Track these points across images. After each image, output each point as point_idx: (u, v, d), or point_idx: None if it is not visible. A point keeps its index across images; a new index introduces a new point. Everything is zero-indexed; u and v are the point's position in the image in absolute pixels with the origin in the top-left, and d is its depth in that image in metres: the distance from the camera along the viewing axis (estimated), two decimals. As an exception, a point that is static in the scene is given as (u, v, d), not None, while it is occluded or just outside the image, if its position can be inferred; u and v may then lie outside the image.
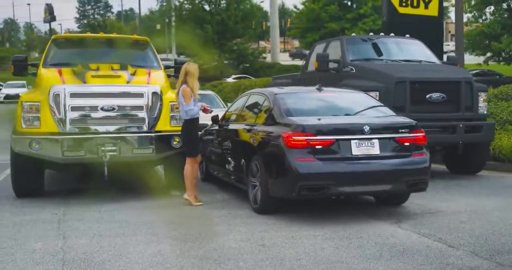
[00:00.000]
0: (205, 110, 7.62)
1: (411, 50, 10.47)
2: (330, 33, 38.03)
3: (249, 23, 44.18)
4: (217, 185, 8.73)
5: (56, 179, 9.21)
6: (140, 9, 60.99)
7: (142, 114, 7.72)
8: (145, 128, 7.72)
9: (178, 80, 7.47)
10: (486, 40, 36.04)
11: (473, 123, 9.20)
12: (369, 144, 6.35)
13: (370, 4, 38.75)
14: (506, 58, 37.32)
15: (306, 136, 6.23)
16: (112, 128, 7.65)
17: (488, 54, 37.44)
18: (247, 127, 7.42)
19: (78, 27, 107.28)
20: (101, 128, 7.64)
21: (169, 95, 7.99)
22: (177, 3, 45.96)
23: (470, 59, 34.51)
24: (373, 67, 9.40)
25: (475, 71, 29.05)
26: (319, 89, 7.49)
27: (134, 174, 8.17)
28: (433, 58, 10.32)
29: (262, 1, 53.06)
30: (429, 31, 13.87)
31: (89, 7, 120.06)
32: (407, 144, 6.49)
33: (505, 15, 36.59)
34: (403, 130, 6.58)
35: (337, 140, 6.28)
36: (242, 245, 5.41)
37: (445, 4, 29.47)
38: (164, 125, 7.84)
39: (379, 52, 10.28)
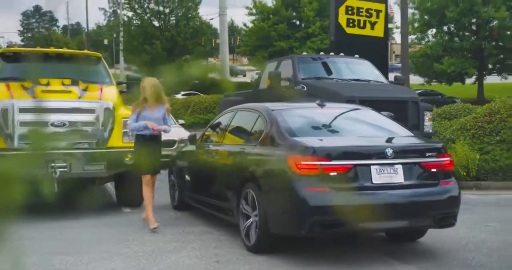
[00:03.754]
0: (153, 130, 6.95)
1: (360, 69, 10.77)
2: (279, 52, 38.55)
3: (198, 40, 44.24)
4: (169, 202, 8.64)
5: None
6: (87, 23, 60.20)
7: (94, 130, 7.62)
8: (96, 144, 7.62)
9: None
10: (429, 62, 37.37)
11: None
12: (391, 170, 5.29)
13: (318, 24, 39.52)
14: (447, 79, 38.77)
15: (318, 160, 5.10)
16: (62, 144, 7.52)
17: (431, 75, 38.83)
18: (237, 149, 6.41)
19: (22, 40, 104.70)
20: (51, 144, 7.47)
21: (122, 112, 7.92)
22: (125, 19, 45.60)
23: (415, 79, 35.63)
24: (324, 86, 9.61)
25: (418, 91, 30.03)
26: (321, 105, 6.47)
27: (85, 190, 8.04)
28: (381, 78, 10.65)
29: (212, 19, 53.30)
30: (375, 52, 14.28)
31: (34, 20, 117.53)
32: (434, 170, 5.47)
33: (446, 38, 38.09)
34: (429, 154, 5.54)
35: (355, 165, 5.20)
36: (196, 262, 5.40)
37: (389, 25, 30.44)
38: (117, 141, 7.75)
39: (329, 71, 10.53)
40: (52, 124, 7.45)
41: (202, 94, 29.32)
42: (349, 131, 6.10)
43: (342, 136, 5.92)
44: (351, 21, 15.35)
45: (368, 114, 6.61)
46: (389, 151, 5.29)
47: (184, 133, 13.36)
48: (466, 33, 37.89)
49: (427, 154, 5.54)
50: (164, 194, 8.63)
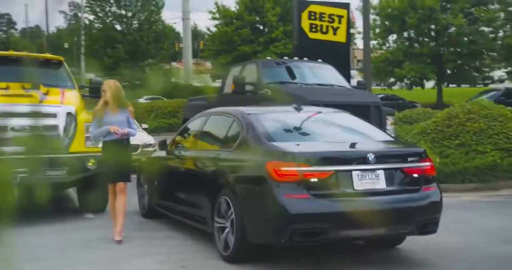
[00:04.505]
0: (116, 134, 6.57)
1: (324, 74, 10.88)
2: (243, 56, 38.62)
3: (161, 44, 43.97)
4: (134, 207, 8.54)
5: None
6: (48, 26, 58.97)
7: (56, 135, 7.50)
8: (58, 149, 7.49)
9: None
10: (389, 67, 38.05)
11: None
12: (373, 176, 5.15)
13: (282, 29, 39.71)
14: (407, 84, 39.58)
15: (298, 166, 4.94)
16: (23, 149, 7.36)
17: (392, 79, 39.55)
18: (211, 155, 6.17)
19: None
20: (11, 149, 7.32)
21: (84, 116, 7.82)
22: (86, 22, 44.98)
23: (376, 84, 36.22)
24: (288, 90, 9.67)
25: (380, 96, 30.54)
26: (298, 109, 6.28)
27: (46, 196, 7.88)
28: (344, 82, 10.79)
29: (175, 23, 53.10)
30: (337, 57, 14.44)
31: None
32: (415, 175, 5.35)
33: (406, 44, 38.86)
34: (411, 159, 5.41)
35: (337, 171, 5.04)
36: (161, 267, 5.37)
37: (351, 31, 30.89)
38: (79, 146, 7.64)
39: (293, 75, 10.61)
40: (12, 129, 7.31)
41: (165, 99, 29.13)
42: (329, 135, 5.90)
43: (322, 140, 5.69)
44: (313, 26, 15.52)
45: (347, 118, 6.47)
46: (371, 156, 5.12)
47: (148, 138, 13.26)
48: (426, 39, 38.73)
49: (409, 159, 5.39)
50: (129, 198, 8.48)
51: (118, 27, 43.30)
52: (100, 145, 7.50)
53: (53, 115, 7.54)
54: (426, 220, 5.35)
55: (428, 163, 5.52)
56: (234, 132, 6.00)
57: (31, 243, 6.29)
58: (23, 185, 7.10)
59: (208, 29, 46.50)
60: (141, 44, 41.09)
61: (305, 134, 5.80)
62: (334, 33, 15.92)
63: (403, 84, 39.65)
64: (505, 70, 39.34)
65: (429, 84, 40.53)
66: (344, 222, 4.92)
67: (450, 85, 40.46)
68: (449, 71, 39.35)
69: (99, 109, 6.67)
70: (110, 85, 6.68)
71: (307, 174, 4.93)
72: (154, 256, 5.77)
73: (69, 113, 7.62)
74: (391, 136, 6.13)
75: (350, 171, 5.08)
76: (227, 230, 5.51)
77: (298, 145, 5.31)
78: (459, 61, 38.27)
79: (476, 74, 38.90)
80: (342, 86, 10.55)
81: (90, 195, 8.07)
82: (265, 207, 5.05)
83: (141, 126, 14.83)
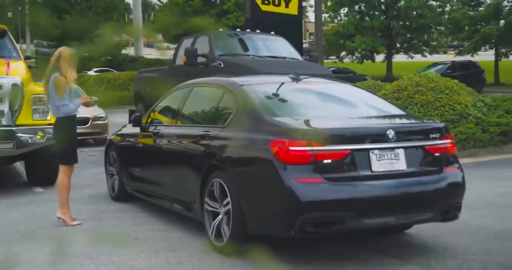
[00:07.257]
0: (86, 104, 6.19)
1: (276, 47, 10.86)
2: (194, 28, 38.18)
3: (111, 15, 42.93)
4: (84, 180, 8.43)
5: None
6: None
7: (1, 107, 7.28)
8: (4, 122, 7.29)
9: (48, 68, 5.98)
10: (341, 40, 38.40)
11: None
12: (392, 156, 4.53)
13: (234, 1, 39.43)
14: (358, 57, 40.10)
15: (310, 145, 4.27)
16: (-33, 122, 7.13)
17: (343, 53, 40.01)
18: (197, 132, 5.31)
19: None
20: None
21: (31, 87, 7.62)
22: (31, -10, 43.48)
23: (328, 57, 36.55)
24: (241, 63, 9.62)
25: (332, 69, 30.82)
26: (296, 79, 5.54)
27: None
28: (296, 55, 10.81)
29: (124, -7, 51.79)
30: (289, 29, 14.41)
31: None
32: (437, 154, 4.74)
33: (357, 17, 39.25)
34: (433, 135, 4.78)
35: (353, 150, 4.39)
36: (114, 240, 5.33)
37: (303, 4, 30.89)
38: (26, 119, 7.45)
39: (245, 48, 10.55)
40: (-45, 101, 7.06)
41: (115, 71, 28.61)
42: (337, 109, 5.23)
43: (332, 115, 5.03)
44: (266, -2, 15.38)
45: (352, 90, 5.88)
46: (391, 133, 4.50)
47: (98, 111, 13.07)
48: (376, 13, 39.19)
49: (430, 136, 4.78)
50: (79, 172, 8.35)
51: (65, -4, 41.97)
52: (48, 117, 7.38)
53: (-2, 87, 7.31)
54: (450, 204, 4.77)
55: (449, 140, 4.89)
56: (225, 106, 5.29)
57: (-22, 218, 6.15)
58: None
59: (159, 0, 45.60)
60: (89, 14, 40.01)
61: (310, 108, 5.14)
62: (286, 6, 15.84)
63: (354, 57, 40.15)
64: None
65: (380, 57, 41.18)
66: (362, 209, 4.34)
67: (398, 56, 41.15)
68: (398, 45, 40.06)
69: (72, 79, 5.86)
70: (70, 53, 5.88)
71: (320, 154, 4.28)
72: (107, 229, 5.73)
73: (15, 85, 7.40)
74: (403, 110, 5.60)
75: (368, 150, 4.46)
76: (220, 218, 4.84)
77: (306, 120, 4.68)
78: (408, 35, 38.97)
79: (425, 48, 39.74)
80: (294, 59, 10.58)
81: (39, 168, 7.93)
82: (270, 193, 4.41)
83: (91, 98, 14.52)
